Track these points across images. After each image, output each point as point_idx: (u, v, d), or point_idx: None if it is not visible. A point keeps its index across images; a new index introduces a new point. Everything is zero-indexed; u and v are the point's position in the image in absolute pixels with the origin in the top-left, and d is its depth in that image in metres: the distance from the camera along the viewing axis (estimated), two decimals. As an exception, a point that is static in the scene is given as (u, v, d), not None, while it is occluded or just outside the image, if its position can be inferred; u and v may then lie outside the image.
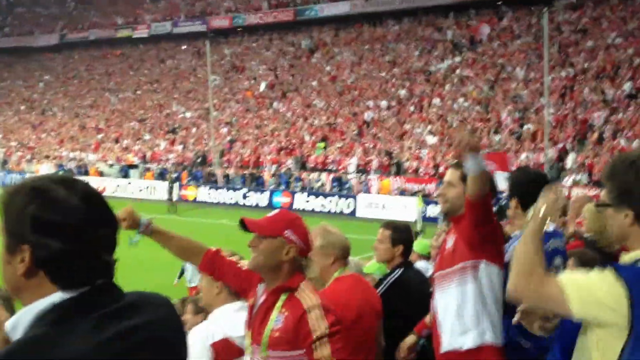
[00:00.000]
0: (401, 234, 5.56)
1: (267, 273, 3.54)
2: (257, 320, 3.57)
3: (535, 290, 2.61)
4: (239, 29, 57.91)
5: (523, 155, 30.78)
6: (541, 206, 2.76)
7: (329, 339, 3.34)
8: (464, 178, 4.39)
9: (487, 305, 4.48)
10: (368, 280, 5.34)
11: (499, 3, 44.72)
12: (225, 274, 3.93)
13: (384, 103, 40.89)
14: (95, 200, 1.81)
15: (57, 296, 1.72)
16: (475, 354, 4.49)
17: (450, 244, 4.65)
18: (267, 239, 3.48)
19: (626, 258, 2.66)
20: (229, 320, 4.17)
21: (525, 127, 33.48)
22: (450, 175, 4.69)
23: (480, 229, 4.32)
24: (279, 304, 3.48)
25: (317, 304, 3.41)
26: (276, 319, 3.45)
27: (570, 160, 29.76)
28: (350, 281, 4.73)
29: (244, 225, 3.52)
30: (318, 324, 3.35)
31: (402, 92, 41.31)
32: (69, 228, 1.74)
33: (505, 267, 4.72)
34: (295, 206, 34.06)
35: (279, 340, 3.41)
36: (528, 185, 4.79)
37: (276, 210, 3.81)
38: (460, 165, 4.45)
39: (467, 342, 4.48)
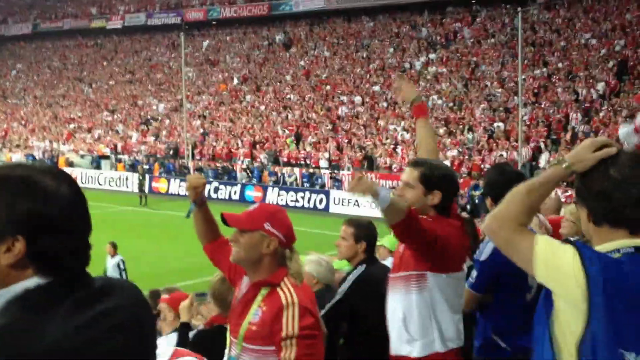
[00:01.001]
0: (364, 231, 5.45)
1: (249, 266, 3.55)
2: (236, 313, 3.59)
3: (507, 237, 2.62)
4: (213, 22, 57.65)
5: (496, 154, 30.93)
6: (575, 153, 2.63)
7: (299, 341, 3.30)
8: (423, 178, 4.31)
9: (437, 315, 4.32)
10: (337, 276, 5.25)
11: (474, 2, 44.86)
12: (221, 262, 3.95)
13: (357, 99, 40.91)
14: (78, 188, 1.82)
15: (33, 281, 1.72)
16: None
17: (402, 248, 4.49)
18: (247, 233, 3.49)
19: (604, 248, 2.62)
20: None
21: (498, 125, 33.63)
22: (408, 175, 4.43)
23: (415, 246, 4.21)
24: (259, 298, 3.48)
25: (297, 302, 3.38)
26: (254, 313, 3.45)
27: (543, 160, 29.92)
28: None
29: (224, 220, 3.55)
30: (290, 323, 3.32)
31: (376, 88, 41.35)
32: (61, 218, 1.74)
33: (478, 263, 4.76)
34: (267, 200, 33.93)
35: (255, 334, 3.41)
36: (504, 187, 4.66)
37: (257, 204, 3.83)
38: (420, 164, 4.42)
39: (414, 351, 4.35)
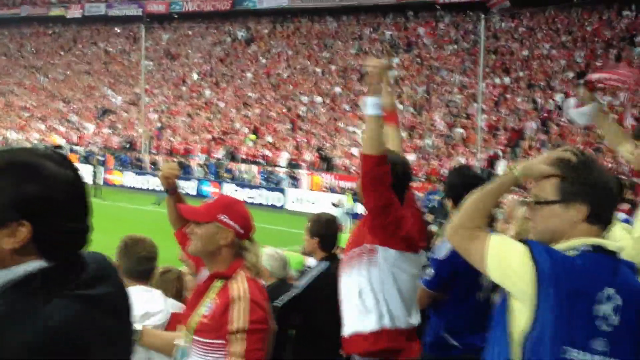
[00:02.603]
0: (316, 226, 5.48)
1: (207, 258, 3.57)
2: (189, 304, 3.62)
3: (462, 242, 2.76)
4: (175, 15, 57.09)
5: (454, 160, 31.00)
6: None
7: (248, 335, 3.30)
8: None
9: (386, 291, 4.45)
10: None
11: (438, 7, 45.01)
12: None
13: (318, 99, 40.79)
14: (79, 173, 1.84)
15: (35, 265, 1.74)
16: (376, 337, 4.48)
17: (356, 227, 4.73)
18: (203, 225, 3.49)
19: (561, 247, 2.71)
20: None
21: (457, 131, 33.75)
22: None
23: (372, 203, 4.35)
24: (213, 290, 3.48)
25: (246, 296, 3.36)
26: (207, 305, 3.44)
27: (500, 167, 30.09)
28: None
29: (181, 212, 3.64)
30: (239, 316, 3.31)
31: (337, 89, 41.26)
32: (64, 202, 1.76)
33: (435, 262, 4.76)
34: (223, 197, 33.73)
35: (205, 326, 3.41)
36: (463, 189, 4.61)
37: (215, 197, 3.91)
38: None
39: (369, 325, 4.46)
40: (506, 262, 2.60)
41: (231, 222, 3.49)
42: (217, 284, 3.47)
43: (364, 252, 4.48)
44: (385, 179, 4.24)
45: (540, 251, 2.57)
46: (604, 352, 2.58)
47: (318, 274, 5.31)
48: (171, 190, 4.08)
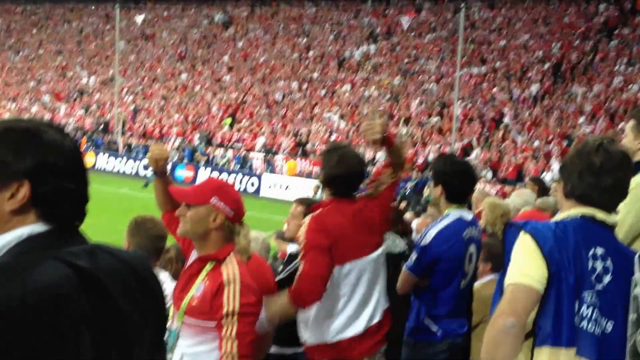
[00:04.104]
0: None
1: (197, 240, 3.59)
2: (179, 286, 3.62)
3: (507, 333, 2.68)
4: (151, -4, 56.53)
5: (430, 148, 31.13)
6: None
7: (239, 318, 3.33)
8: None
9: (337, 306, 4.48)
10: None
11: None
12: (176, 232, 3.94)
13: (295, 84, 40.66)
14: (77, 144, 1.88)
15: (32, 228, 1.76)
16: (321, 349, 4.51)
17: None
18: (194, 207, 3.51)
19: (554, 219, 3.06)
20: None
21: (433, 120, 33.82)
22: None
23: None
24: (203, 272, 3.50)
25: (238, 279, 3.40)
26: (197, 287, 3.47)
27: (473, 156, 30.22)
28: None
29: (171, 194, 3.71)
30: (231, 299, 3.34)
31: (315, 75, 41.15)
32: (65, 168, 1.79)
33: (418, 247, 4.93)
34: (198, 181, 33.49)
35: (196, 309, 3.44)
36: (454, 177, 5.02)
37: (205, 179, 3.92)
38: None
39: (309, 339, 4.54)
40: (529, 274, 2.75)
41: (222, 205, 3.51)
42: (208, 267, 3.49)
43: None
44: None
45: (544, 240, 2.77)
46: (593, 305, 2.77)
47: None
48: (160, 172, 4.09)
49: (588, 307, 2.74)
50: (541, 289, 2.71)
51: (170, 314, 3.62)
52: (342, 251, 4.35)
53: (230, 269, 3.44)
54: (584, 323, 2.74)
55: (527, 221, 2.92)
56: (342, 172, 4.45)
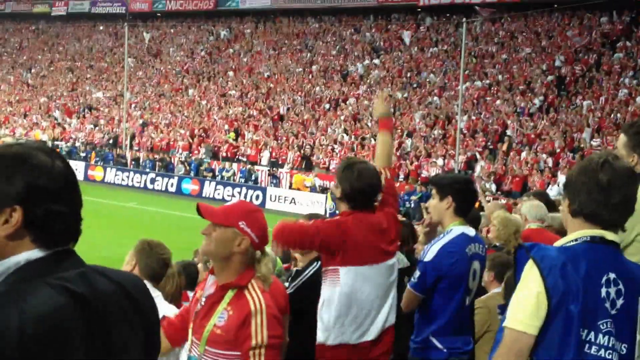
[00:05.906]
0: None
1: (218, 262, 3.49)
2: (201, 313, 3.50)
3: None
4: (158, 14, 57.21)
5: (433, 161, 31.34)
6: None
7: (267, 350, 3.26)
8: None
9: (351, 307, 4.57)
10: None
11: (420, 10, 45.39)
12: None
13: (299, 99, 41.04)
14: (69, 165, 1.91)
15: (29, 255, 1.81)
16: (321, 350, 4.63)
17: None
18: (220, 228, 3.43)
19: (562, 241, 2.93)
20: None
21: (437, 132, 34.05)
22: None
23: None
24: (226, 300, 3.41)
25: (265, 310, 3.32)
26: (220, 316, 3.38)
27: (478, 169, 30.38)
28: None
29: (199, 211, 3.51)
30: (260, 331, 3.27)
31: (318, 89, 41.55)
32: (57, 191, 1.83)
33: (422, 264, 4.89)
34: (203, 194, 34.00)
35: (220, 337, 3.35)
36: (464, 191, 4.98)
37: (235, 200, 3.82)
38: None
39: (329, 339, 4.60)
40: (532, 313, 2.75)
41: (249, 230, 3.43)
42: (230, 294, 3.41)
43: (329, 272, 4.60)
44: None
45: (540, 255, 2.77)
46: (609, 332, 2.73)
47: (310, 275, 5.26)
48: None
49: (604, 336, 2.71)
50: (535, 332, 2.73)
51: (189, 340, 3.56)
52: (359, 254, 4.51)
53: (256, 298, 3.35)
54: (602, 352, 2.71)
55: (536, 244, 2.88)
56: (362, 186, 4.55)
